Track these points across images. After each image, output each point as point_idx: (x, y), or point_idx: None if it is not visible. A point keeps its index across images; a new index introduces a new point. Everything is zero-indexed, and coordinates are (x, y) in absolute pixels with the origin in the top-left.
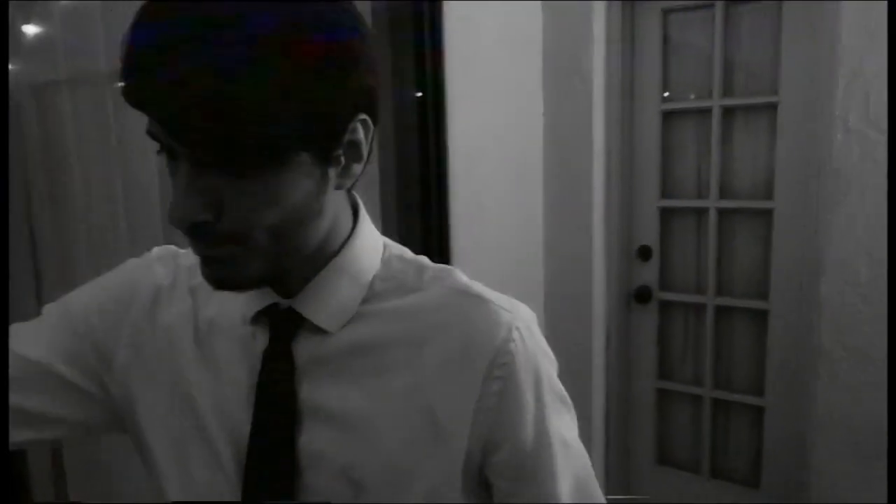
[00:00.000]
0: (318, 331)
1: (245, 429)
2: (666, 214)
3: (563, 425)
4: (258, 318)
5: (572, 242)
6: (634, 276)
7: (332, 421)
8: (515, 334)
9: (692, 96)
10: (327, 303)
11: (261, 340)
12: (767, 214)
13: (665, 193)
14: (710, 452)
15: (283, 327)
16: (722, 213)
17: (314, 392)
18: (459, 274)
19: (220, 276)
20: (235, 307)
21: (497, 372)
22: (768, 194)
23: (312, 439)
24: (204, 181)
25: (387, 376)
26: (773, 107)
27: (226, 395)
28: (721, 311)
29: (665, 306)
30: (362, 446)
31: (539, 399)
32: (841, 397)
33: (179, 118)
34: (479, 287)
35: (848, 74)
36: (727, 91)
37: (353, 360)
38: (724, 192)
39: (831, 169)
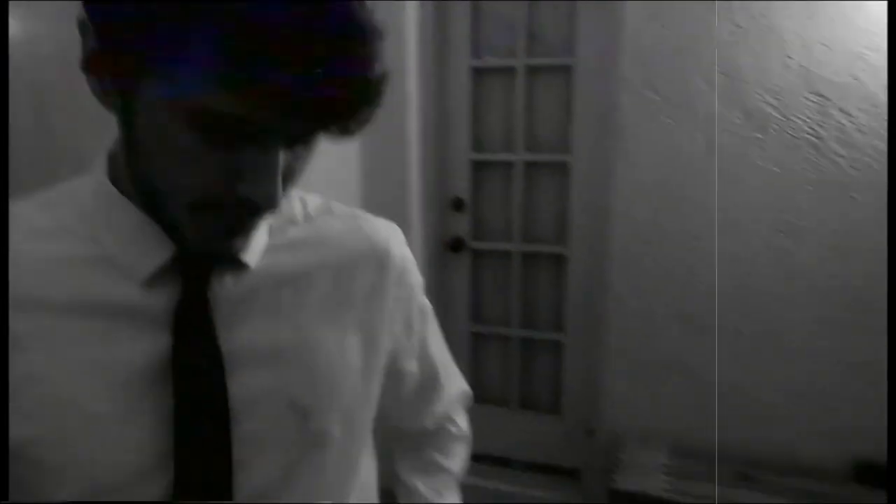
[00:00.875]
0: (235, 270)
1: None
2: (477, 167)
3: None
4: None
5: (389, 195)
6: (448, 226)
7: (269, 359)
8: (405, 246)
9: (499, 56)
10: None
11: (158, 299)
12: (565, 167)
13: (476, 147)
14: (519, 387)
15: (195, 274)
16: (527, 165)
17: (243, 335)
18: (333, 201)
19: (227, 244)
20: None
21: (402, 279)
22: (567, 149)
23: (247, 384)
24: (281, 161)
25: (314, 303)
26: (569, 69)
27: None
28: (527, 258)
29: (477, 255)
30: (304, 376)
31: (422, 295)
32: (629, 330)
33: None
34: (357, 210)
35: (631, 43)
36: (531, 52)
37: (278, 291)
38: (529, 147)
39: (618, 126)
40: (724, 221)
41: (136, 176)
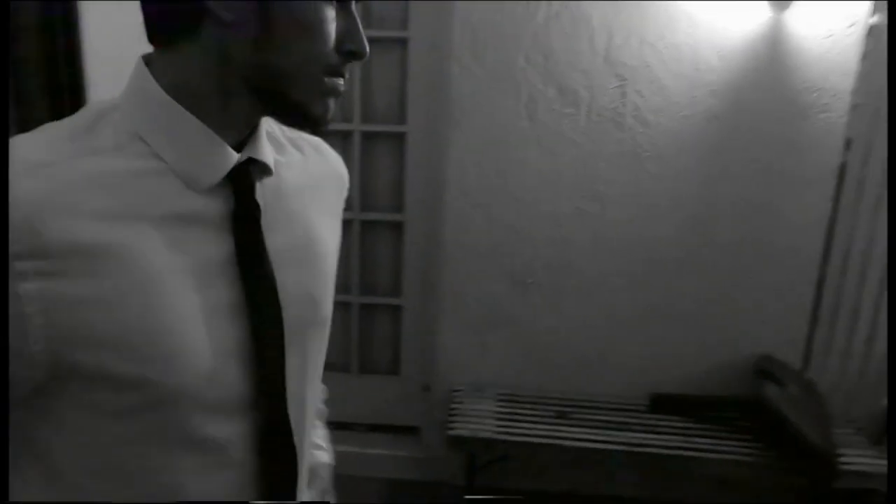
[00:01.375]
0: (265, 177)
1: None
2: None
3: None
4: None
5: None
6: None
7: (291, 257)
8: None
9: None
10: (266, 145)
11: (216, 205)
12: (401, 137)
13: None
14: (359, 352)
15: (245, 181)
16: (364, 135)
17: (276, 237)
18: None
19: (331, 116)
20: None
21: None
22: (402, 119)
23: (282, 279)
24: None
25: (313, 210)
26: (404, 41)
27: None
28: (366, 225)
29: None
30: (314, 271)
31: None
32: (460, 289)
33: None
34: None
35: (461, 20)
36: (367, 24)
37: (289, 199)
38: (366, 117)
39: (449, 98)
40: (543, 187)
41: (258, 75)
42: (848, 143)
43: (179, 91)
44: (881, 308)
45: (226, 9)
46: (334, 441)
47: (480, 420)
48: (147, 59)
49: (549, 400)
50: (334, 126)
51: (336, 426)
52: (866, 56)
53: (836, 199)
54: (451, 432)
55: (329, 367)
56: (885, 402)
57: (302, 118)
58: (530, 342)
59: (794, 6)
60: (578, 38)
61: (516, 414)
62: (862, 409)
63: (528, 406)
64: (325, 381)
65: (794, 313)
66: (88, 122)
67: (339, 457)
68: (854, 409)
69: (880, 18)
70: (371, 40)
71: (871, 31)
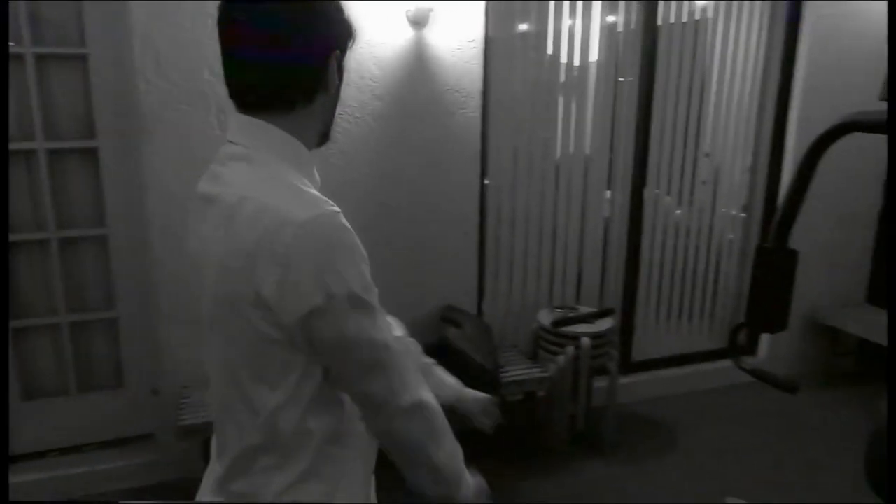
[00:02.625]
0: None
1: None
2: None
3: None
4: None
5: None
6: None
7: None
8: None
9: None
10: None
11: None
12: (93, 152)
13: None
14: (76, 372)
15: None
16: (51, 153)
17: None
18: None
19: None
20: None
21: None
22: (92, 134)
23: None
24: None
25: None
26: (83, 57)
27: None
28: (65, 242)
29: (12, 248)
30: None
31: None
32: (174, 289)
33: None
34: None
35: (141, 37)
36: (40, 39)
37: None
38: (50, 135)
39: (139, 112)
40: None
41: (325, 121)
42: (483, 134)
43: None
44: (528, 257)
45: (332, 81)
46: (59, 467)
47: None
48: (267, 119)
49: None
50: (15, 146)
51: (63, 452)
52: (487, 63)
53: (482, 175)
54: (180, 423)
55: (44, 393)
56: (535, 325)
57: (325, 142)
58: None
59: (430, 25)
60: None
61: None
62: (520, 335)
63: None
64: (41, 409)
65: (466, 269)
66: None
67: (74, 480)
68: (515, 336)
69: (493, 32)
70: (48, 56)
71: (488, 44)
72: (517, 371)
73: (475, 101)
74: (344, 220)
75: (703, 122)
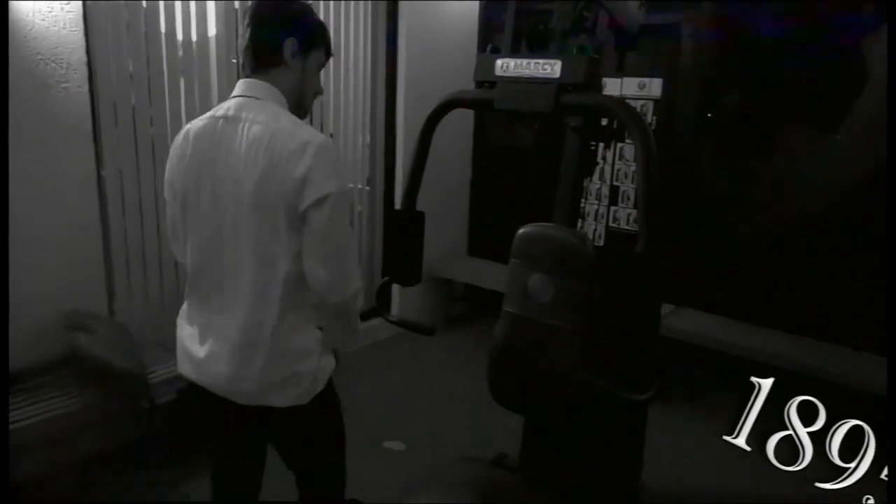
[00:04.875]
0: None
1: None
2: None
3: None
4: None
5: None
6: None
7: None
8: None
9: None
10: None
11: None
12: None
13: None
14: None
15: None
16: None
17: None
18: None
19: None
20: None
21: None
22: None
23: None
24: None
25: None
26: None
27: None
28: None
29: None
30: None
31: None
32: None
33: None
34: None
35: None
36: None
37: None
38: None
39: None
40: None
41: (300, 97)
42: (95, 115)
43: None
44: (164, 247)
45: (291, 62)
46: None
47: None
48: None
49: None
50: None
51: None
52: (90, 32)
53: (98, 160)
54: None
55: None
56: None
57: (304, 115)
58: None
59: None
60: None
61: None
62: (164, 331)
63: None
64: None
65: (91, 268)
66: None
67: None
68: (158, 332)
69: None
70: None
71: (87, 9)
72: (166, 369)
73: (80, 75)
74: None
75: (324, 105)
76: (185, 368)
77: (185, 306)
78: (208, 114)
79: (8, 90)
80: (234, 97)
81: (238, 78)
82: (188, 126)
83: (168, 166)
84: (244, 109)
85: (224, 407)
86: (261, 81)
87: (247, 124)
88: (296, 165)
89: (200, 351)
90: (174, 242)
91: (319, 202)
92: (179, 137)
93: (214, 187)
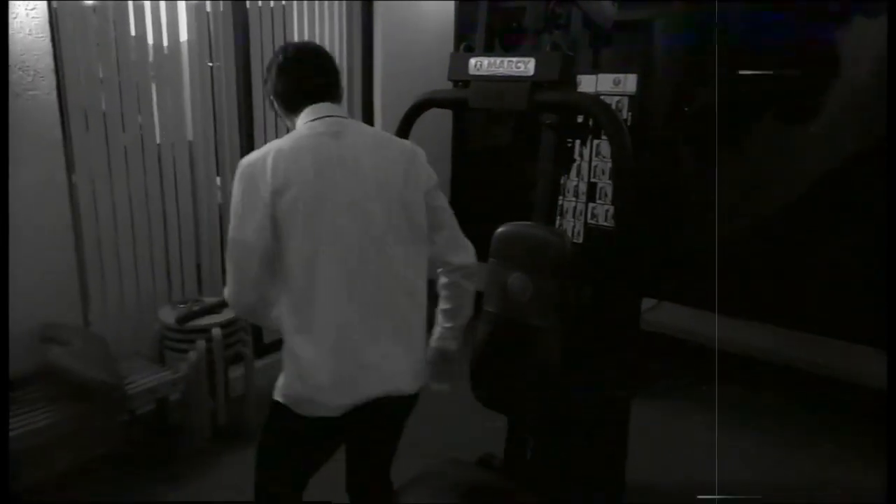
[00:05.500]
0: None
1: None
2: None
3: None
4: None
5: None
6: None
7: None
8: None
9: None
10: None
11: None
12: None
13: None
14: None
15: None
16: None
17: None
18: None
19: None
20: None
21: None
22: None
23: None
24: None
25: None
26: None
27: None
28: None
29: None
30: None
31: None
32: None
33: None
34: None
35: None
36: None
37: None
38: None
39: None
40: None
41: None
42: (64, 122)
43: None
44: (138, 255)
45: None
46: None
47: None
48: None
49: None
50: None
51: None
52: (57, 39)
53: (69, 169)
54: None
55: None
56: (157, 325)
57: None
58: None
59: None
60: None
61: None
62: (141, 340)
63: None
64: None
65: (63, 278)
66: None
67: None
68: (135, 342)
69: (59, 3)
70: None
71: (54, 15)
72: (144, 379)
73: (48, 82)
74: None
75: None
76: (322, 396)
77: (295, 335)
78: (303, 134)
79: (7, 90)
80: (323, 118)
81: (213, 85)
82: (271, 148)
83: (260, 195)
84: (343, 126)
85: (357, 418)
86: (337, 105)
87: (358, 137)
88: (413, 163)
89: (369, 356)
90: (260, 268)
91: (436, 187)
92: (268, 161)
93: (350, 196)
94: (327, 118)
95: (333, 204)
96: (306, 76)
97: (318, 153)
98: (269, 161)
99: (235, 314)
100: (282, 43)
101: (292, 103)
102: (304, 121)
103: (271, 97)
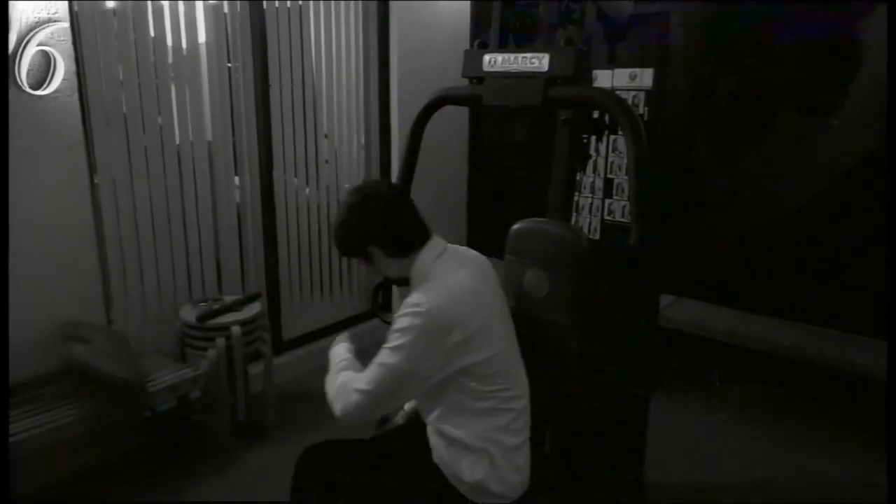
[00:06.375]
0: None
1: None
2: None
3: None
4: None
5: None
6: None
7: None
8: None
9: None
10: None
11: None
12: None
13: None
14: None
15: None
16: None
17: None
18: None
19: None
20: None
21: None
22: None
23: None
24: None
25: None
26: None
27: None
28: None
29: None
30: None
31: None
32: None
33: None
34: None
35: None
36: None
37: None
38: None
39: None
40: None
41: None
42: (86, 123)
43: None
44: (159, 254)
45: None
46: None
47: None
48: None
49: None
50: None
51: None
52: (79, 42)
53: (90, 168)
54: None
55: None
56: (178, 324)
57: None
58: None
59: None
60: None
61: None
62: (162, 338)
63: None
64: None
65: (86, 277)
66: None
67: None
68: (156, 340)
69: (81, 7)
70: None
71: (76, 18)
72: (166, 376)
73: (69, 84)
74: None
75: (318, 105)
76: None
77: (492, 432)
78: (456, 264)
79: (8, 91)
80: (447, 247)
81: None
82: (453, 281)
83: (461, 311)
84: (456, 252)
85: None
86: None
87: (475, 259)
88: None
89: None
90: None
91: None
92: (456, 283)
93: (500, 307)
94: (448, 248)
95: (497, 314)
96: (410, 213)
97: (475, 277)
98: (465, 288)
99: (346, 424)
100: (346, 185)
101: (407, 244)
102: (434, 257)
103: (371, 247)
